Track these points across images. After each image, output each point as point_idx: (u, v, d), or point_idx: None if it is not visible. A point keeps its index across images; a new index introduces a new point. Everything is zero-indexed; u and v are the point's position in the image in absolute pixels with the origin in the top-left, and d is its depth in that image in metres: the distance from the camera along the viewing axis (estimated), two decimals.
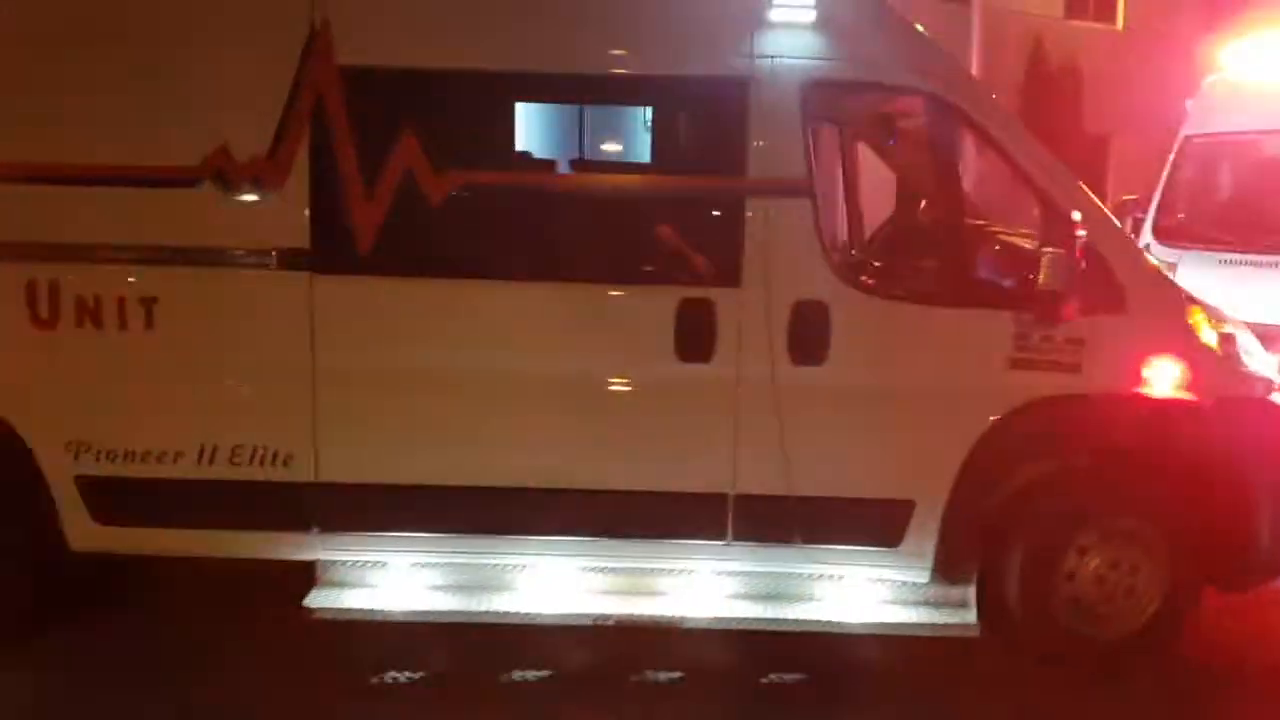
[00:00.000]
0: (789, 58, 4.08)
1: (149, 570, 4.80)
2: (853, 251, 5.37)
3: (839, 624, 4.28)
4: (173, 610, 4.78)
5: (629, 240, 4.24)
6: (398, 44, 4.10)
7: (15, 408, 4.20)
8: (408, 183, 4.07)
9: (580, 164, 5.91)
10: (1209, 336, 4.28)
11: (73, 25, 4.11)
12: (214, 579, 4.76)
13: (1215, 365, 4.25)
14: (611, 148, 5.78)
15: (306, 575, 4.36)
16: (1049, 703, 4.19)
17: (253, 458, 4.20)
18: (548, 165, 4.85)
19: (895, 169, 5.41)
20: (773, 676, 4.28)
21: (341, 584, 4.35)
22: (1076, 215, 4.05)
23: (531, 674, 4.25)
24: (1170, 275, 4.85)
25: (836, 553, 4.30)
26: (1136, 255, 4.45)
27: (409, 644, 4.35)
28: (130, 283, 4.12)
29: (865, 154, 5.44)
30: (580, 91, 4.50)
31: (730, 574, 4.34)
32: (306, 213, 4.09)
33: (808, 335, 4.12)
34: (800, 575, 4.34)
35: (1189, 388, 4.18)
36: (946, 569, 4.27)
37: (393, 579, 4.36)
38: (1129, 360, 4.17)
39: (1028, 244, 4.46)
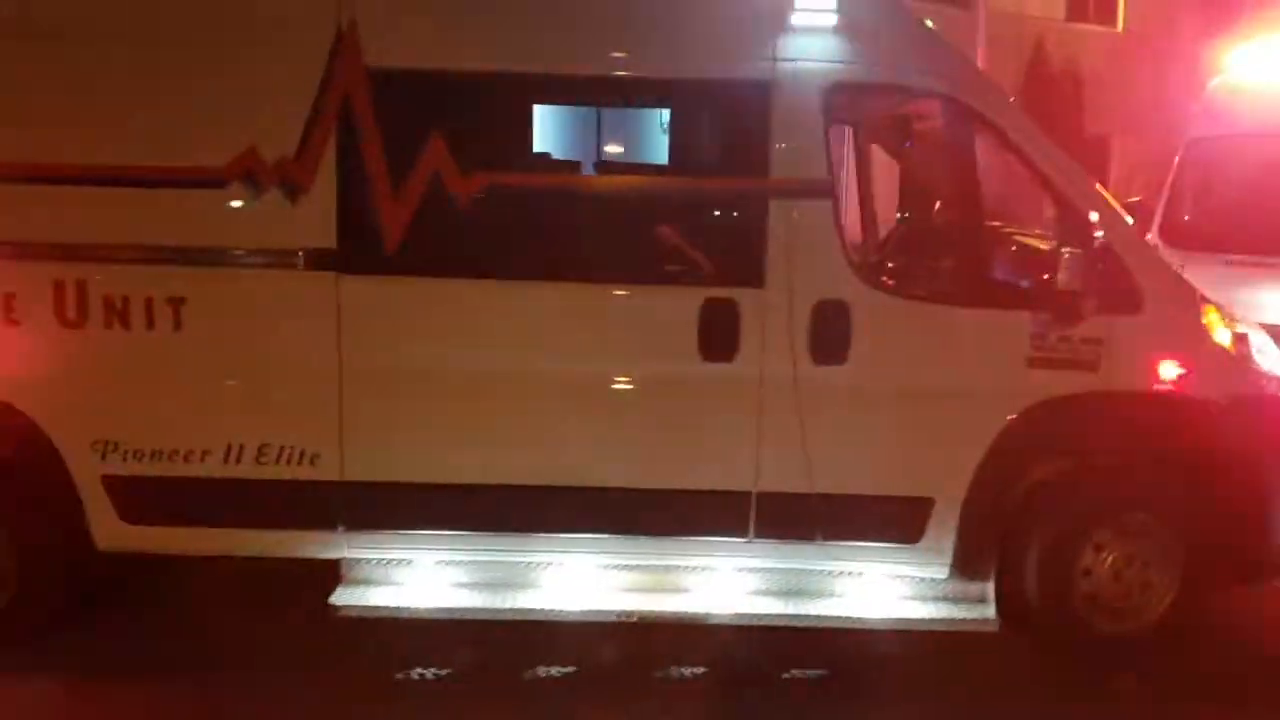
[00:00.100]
0: (811, 61, 4.13)
1: (175, 569, 4.84)
2: (871, 252, 5.42)
3: (859, 620, 4.34)
4: (198, 609, 4.81)
5: (653, 241, 4.29)
6: (425, 45, 4.13)
7: (42, 407, 4.22)
8: (434, 183, 4.11)
9: (605, 166, 5.96)
10: (1223, 336, 4.35)
11: (101, 28, 4.14)
12: (239, 577, 4.80)
13: (1229, 364, 4.33)
14: (631, 150, 5.83)
15: (332, 574, 4.39)
16: (1066, 696, 4.24)
17: (279, 457, 4.24)
18: (573, 166, 4.90)
19: (914, 171, 5.46)
20: (794, 672, 4.32)
21: (367, 582, 4.38)
22: (1094, 216, 4.11)
23: (555, 670, 4.28)
24: None
25: (857, 549, 4.35)
26: (1152, 256, 4.51)
27: (434, 641, 4.39)
28: (158, 283, 4.15)
29: (878, 155, 5.49)
30: (606, 94, 4.53)
31: (752, 570, 4.39)
32: (333, 213, 4.13)
33: (829, 335, 4.17)
34: (821, 571, 4.39)
35: (1204, 386, 4.25)
36: (965, 565, 4.33)
37: (418, 576, 4.39)
38: (1145, 359, 4.24)
39: (1044, 245, 4.51)
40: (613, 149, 5.87)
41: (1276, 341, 4.64)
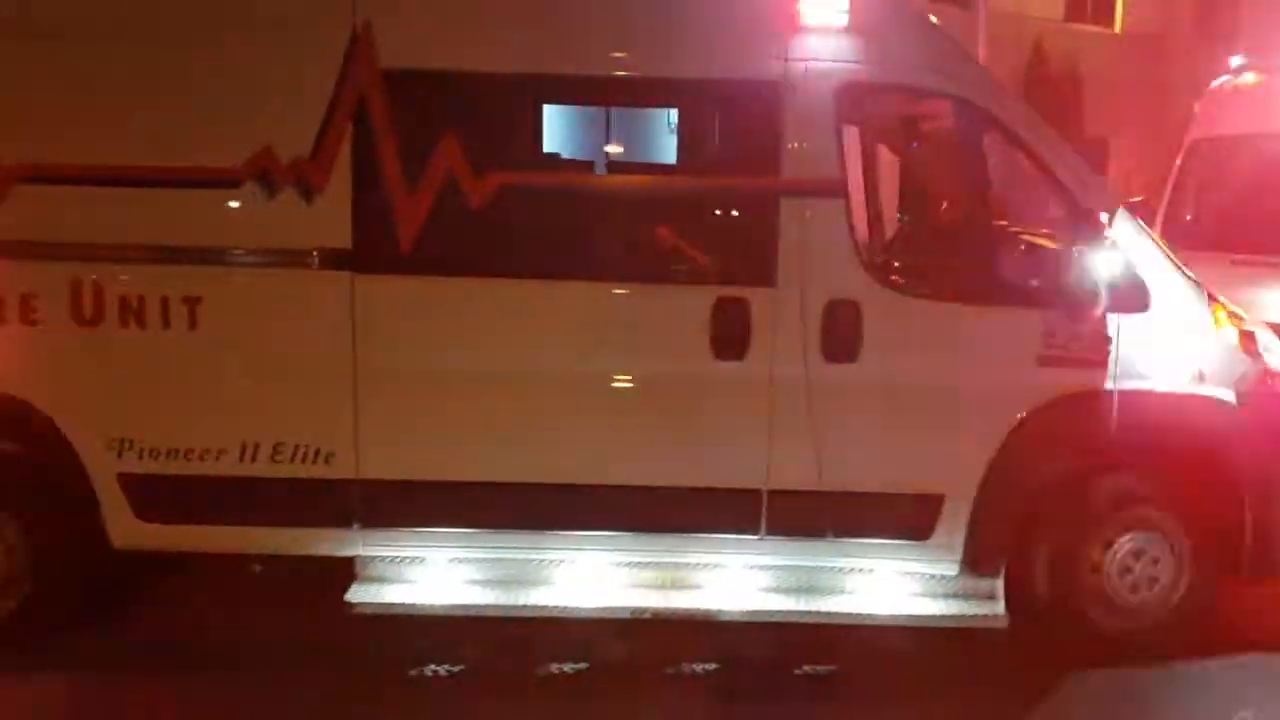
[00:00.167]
0: (822, 61, 4.17)
1: (191, 566, 4.87)
2: (882, 251, 5.44)
3: (870, 616, 4.37)
4: (213, 605, 4.84)
5: (666, 240, 4.32)
6: (439, 46, 4.17)
7: (59, 406, 4.25)
8: (448, 183, 4.15)
9: (618, 165, 6.01)
10: (1231, 333, 4.38)
11: (116, 29, 4.16)
12: (254, 575, 4.81)
13: (1237, 361, 4.35)
14: (643, 150, 5.85)
15: (347, 571, 4.42)
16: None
17: (295, 455, 4.26)
18: (586, 166, 4.94)
19: (925, 170, 5.50)
20: (805, 668, 4.35)
21: (381, 579, 4.41)
22: (1104, 215, 4.15)
23: (568, 666, 4.31)
24: None
25: (868, 546, 4.38)
26: (1160, 254, 4.54)
27: (447, 638, 4.41)
28: (174, 283, 4.18)
29: (889, 155, 5.52)
30: (619, 94, 4.56)
31: (763, 568, 4.43)
32: (348, 213, 4.16)
33: (840, 333, 4.20)
34: (832, 569, 4.43)
35: (1211, 383, 4.28)
36: (975, 562, 4.36)
37: (432, 574, 4.42)
38: (1154, 357, 4.27)
39: (1054, 244, 4.54)
40: (624, 149, 5.88)
41: None
